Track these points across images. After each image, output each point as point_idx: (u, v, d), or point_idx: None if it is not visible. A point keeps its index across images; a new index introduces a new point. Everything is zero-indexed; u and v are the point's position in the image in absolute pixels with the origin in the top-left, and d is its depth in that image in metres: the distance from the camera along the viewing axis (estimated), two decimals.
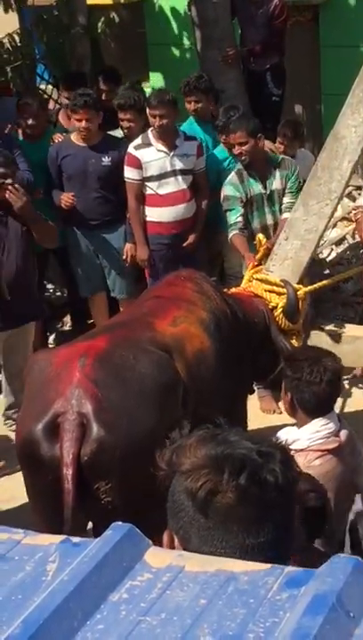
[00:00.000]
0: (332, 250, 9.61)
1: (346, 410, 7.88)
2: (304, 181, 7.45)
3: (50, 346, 8.55)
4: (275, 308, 6.64)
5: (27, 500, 5.20)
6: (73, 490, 4.62)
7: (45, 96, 10.36)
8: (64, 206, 8.30)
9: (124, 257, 8.40)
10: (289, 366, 4.67)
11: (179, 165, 8.22)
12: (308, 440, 4.49)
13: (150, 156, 8.13)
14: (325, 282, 7.30)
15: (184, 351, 5.49)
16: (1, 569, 1.71)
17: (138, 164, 8.13)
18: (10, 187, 7.00)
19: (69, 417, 4.74)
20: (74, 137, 8.45)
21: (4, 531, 1.83)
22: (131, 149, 8.18)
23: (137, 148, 8.16)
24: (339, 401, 7.97)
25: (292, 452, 4.29)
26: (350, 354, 8.52)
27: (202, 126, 8.95)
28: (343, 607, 1.57)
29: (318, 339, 8.59)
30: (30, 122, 8.60)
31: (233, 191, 7.89)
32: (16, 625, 1.55)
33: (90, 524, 4.98)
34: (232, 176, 7.99)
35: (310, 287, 6.95)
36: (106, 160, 8.35)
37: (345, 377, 8.32)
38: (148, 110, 8.17)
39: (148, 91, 9.83)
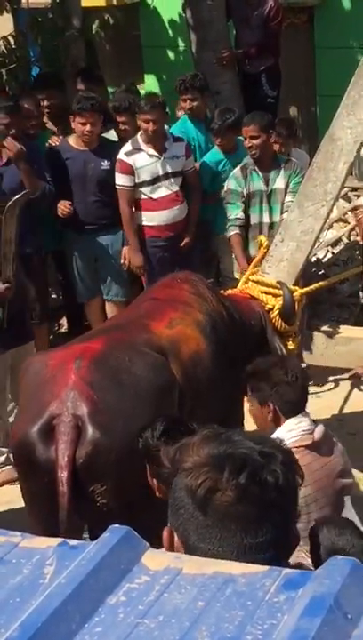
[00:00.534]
0: (328, 251, 9.61)
1: (345, 411, 7.89)
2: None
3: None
4: (271, 309, 6.64)
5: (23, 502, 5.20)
6: (68, 492, 4.62)
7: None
8: (60, 214, 8.28)
9: (122, 260, 8.38)
10: (261, 379, 4.75)
11: (170, 168, 8.23)
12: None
13: (142, 161, 8.13)
14: (321, 283, 7.30)
15: (180, 353, 5.49)
16: None
17: (130, 170, 8.12)
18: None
19: (65, 419, 4.73)
20: (72, 140, 8.41)
21: (1, 534, 1.83)
22: (122, 156, 8.16)
23: (128, 154, 8.14)
24: (337, 401, 8.01)
25: None
26: (346, 355, 8.53)
27: (196, 125, 8.97)
28: (341, 609, 1.57)
29: (314, 340, 8.61)
30: (32, 123, 8.59)
31: (235, 185, 7.99)
32: (14, 628, 1.54)
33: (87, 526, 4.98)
34: (237, 170, 8.11)
35: (306, 289, 6.95)
36: (105, 164, 8.33)
37: (341, 377, 8.35)
38: (139, 115, 8.13)
39: (143, 93, 9.83)
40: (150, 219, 8.23)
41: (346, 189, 9.58)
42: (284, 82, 10.73)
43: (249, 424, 6.48)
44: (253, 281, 6.83)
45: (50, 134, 9.05)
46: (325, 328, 8.64)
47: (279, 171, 8.06)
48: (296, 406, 4.68)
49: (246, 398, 5.18)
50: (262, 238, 7.30)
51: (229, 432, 2.00)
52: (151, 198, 8.21)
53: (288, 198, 8.01)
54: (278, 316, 6.62)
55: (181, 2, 10.79)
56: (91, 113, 8.18)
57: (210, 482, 1.88)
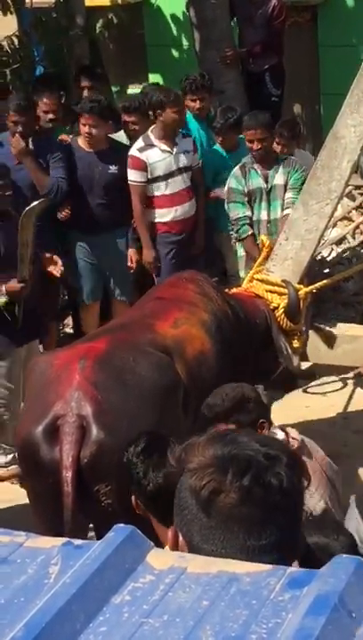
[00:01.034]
0: (332, 249, 9.60)
1: (351, 409, 7.89)
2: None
3: None
4: (276, 308, 6.64)
5: (27, 501, 5.20)
6: (73, 492, 4.62)
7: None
8: (60, 218, 8.28)
9: (128, 263, 8.36)
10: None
11: (182, 162, 8.26)
12: None
13: (156, 156, 8.14)
14: (325, 281, 7.30)
15: (185, 353, 5.49)
16: (3, 572, 1.71)
17: (143, 166, 8.11)
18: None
19: (69, 419, 4.73)
20: (81, 141, 8.39)
21: (5, 533, 1.82)
22: (134, 152, 8.15)
23: (141, 150, 8.14)
24: (343, 400, 8.01)
25: None
26: (351, 353, 8.54)
27: (199, 123, 8.98)
28: (346, 607, 1.57)
29: (319, 338, 8.61)
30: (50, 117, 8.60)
31: (236, 184, 8.01)
32: (18, 628, 1.54)
33: (91, 526, 4.98)
34: (236, 169, 8.12)
35: (310, 287, 6.95)
36: (113, 168, 8.28)
37: (346, 376, 8.34)
38: (168, 108, 8.07)
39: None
40: (163, 215, 8.25)
41: (350, 187, 9.57)
42: (288, 80, 10.74)
43: None
44: (257, 279, 6.83)
45: (61, 131, 9.03)
46: (330, 326, 8.64)
47: (278, 167, 8.07)
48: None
49: None
50: (264, 238, 7.30)
51: (234, 433, 2.00)
52: (165, 194, 8.21)
53: (289, 195, 8.01)
54: (283, 315, 6.62)
55: (184, 1, 10.81)
56: (90, 115, 8.15)
57: (214, 483, 1.87)
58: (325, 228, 7.00)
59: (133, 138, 8.50)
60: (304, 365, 7.72)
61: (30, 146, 8.09)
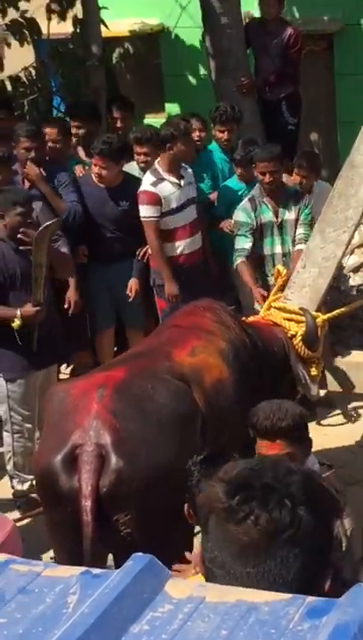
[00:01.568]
0: (349, 277, 9.60)
1: None
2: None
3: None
4: (294, 336, 6.63)
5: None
6: (92, 522, 4.61)
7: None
8: (78, 260, 8.29)
9: (128, 291, 8.36)
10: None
11: (190, 194, 8.27)
12: None
13: (167, 189, 8.13)
14: (343, 309, 7.28)
15: (203, 381, 5.48)
16: (22, 601, 1.71)
17: (158, 201, 8.09)
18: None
19: (88, 448, 4.73)
20: (94, 175, 8.43)
21: (24, 563, 1.82)
22: (147, 187, 8.12)
23: (154, 184, 8.11)
24: (359, 428, 7.98)
25: None
26: None
27: (224, 154, 9.01)
28: None
29: (338, 366, 8.59)
30: (51, 145, 8.64)
31: (245, 217, 7.96)
32: None
33: (110, 556, 4.97)
34: (245, 202, 8.07)
35: (328, 315, 6.94)
36: (124, 204, 8.29)
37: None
38: (178, 142, 8.07)
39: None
40: (179, 248, 8.23)
41: None
42: (304, 109, 10.76)
43: None
44: (275, 307, 6.83)
45: (75, 164, 9.07)
46: (348, 354, 8.63)
47: (288, 202, 8.06)
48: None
49: None
50: (280, 267, 7.29)
51: (273, 464, 1.98)
52: (178, 227, 8.20)
53: (300, 230, 8.02)
54: (300, 343, 6.60)
55: (200, 30, 10.86)
56: (101, 157, 8.19)
57: (221, 504, 1.87)
58: (342, 255, 6.99)
59: (144, 170, 8.52)
60: (322, 392, 7.69)
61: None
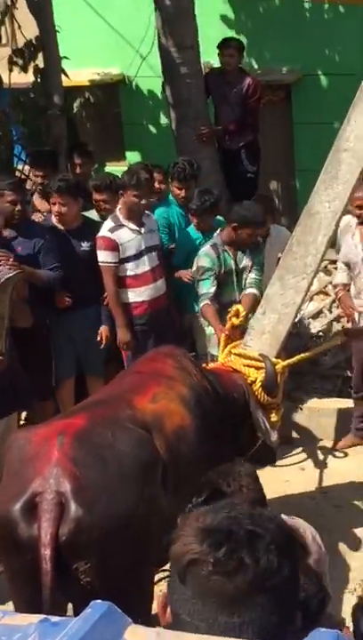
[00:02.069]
0: (309, 323, 9.67)
1: (329, 483, 7.87)
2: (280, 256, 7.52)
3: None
4: (254, 382, 6.65)
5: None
6: (51, 570, 4.56)
7: (22, 176, 10.46)
8: (59, 305, 8.28)
9: (98, 339, 8.36)
10: (207, 490, 4.23)
11: (150, 242, 8.26)
12: None
13: (126, 236, 8.15)
14: (302, 355, 7.31)
15: (164, 428, 5.48)
16: None
17: (115, 247, 8.11)
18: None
19: (47, 496, 4.69)
20: (55, 219, 8.46)
21: None
22: (105, 233, 8.15)
23: (111, 230, 8.15)
24: (318, 474, 8.00)
25: None
26: (329, 426, 8.56)
27: (180, 208, 9.04)
28: None
29: (297, 412, 8.62)
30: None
31: (209, 263, 7.99)
32: None
33: (70, 605, 4.92)
34: (208, 248, 8.09)
35: (288, 361, 6.97)
36: (85, 245, 8.30)
37: (323, 448, 8.35)
38: (126, 191, 8.11)
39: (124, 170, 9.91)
40: (135, 295, 8.23)
41: (326, 262, 9.67)
42: (263, 157, 10.89)
43: None
44: (235, 354, 6.85)
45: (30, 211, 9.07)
46: (308, 400, 8.66)
47: (245, 250, 8.13)
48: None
49: None
50: (240, 307, 7.31)
51: (235, 506, 1.97)
52: (136, 274, 8.21)
53: (252, 275, 8.11)
54: (260, 389, 6.63)
55: (160, 80, 10.97)
56: (59, 194, 8.17)
57: (191, 553, 1.87)
58: (301, 302, 7.04)
59: (103, 217, 8.56)
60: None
61: (9, 232, 8.06)
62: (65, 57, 10.70)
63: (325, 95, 11.77)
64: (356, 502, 7.53)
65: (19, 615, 1.79)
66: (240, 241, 8.01)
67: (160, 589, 4.86)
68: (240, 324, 7.14)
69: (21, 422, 8.08)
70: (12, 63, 10.75)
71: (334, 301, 9.67)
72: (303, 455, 8.37)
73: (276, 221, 9.20)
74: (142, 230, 8.21)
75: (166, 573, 2.02)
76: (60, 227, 8.32)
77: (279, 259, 7.75)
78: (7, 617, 1.78)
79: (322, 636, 1.68)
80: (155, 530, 4.78)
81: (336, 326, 9.56)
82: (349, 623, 3.66)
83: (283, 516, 4.41)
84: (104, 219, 8.45)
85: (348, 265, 8.29)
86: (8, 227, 7.98)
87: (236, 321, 7.15)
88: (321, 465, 8.21)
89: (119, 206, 8.24)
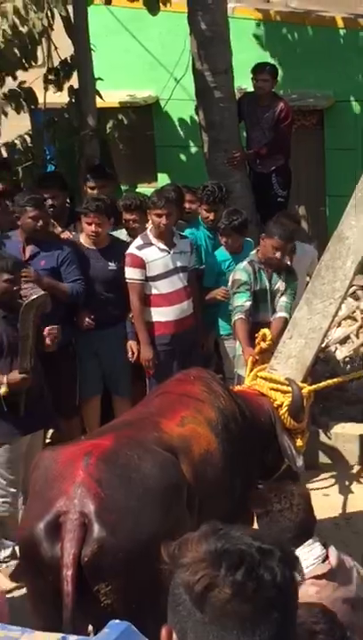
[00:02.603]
0: (336, 349, 9.66)
1: (350, 510, 7.85)
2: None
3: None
4: (280, 406, 6.65)
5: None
6: (72, 591, 4.56)
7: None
8: (84, 326, 8.35)
9: (128, 354, 8.40)
10: (257, 504, 4.50)
11: (179, 263, 8.30)
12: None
13: (153, 255, 8.21)
14: (329, 381, 7.31)
15: (191, 452, 5.48)
16: None
17: (141, 264, 8.18)
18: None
19: (71, 516, 4.70)
20: (83, 238, 8.51)
21: (1, 628, 1.83)
22: (133, 250, 8.24)
23: (139, 248, 8.22)
24: (342, 499, 7.97)
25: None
26: (354, 452, 8.53)
27: (208, 232, 9.08)
28: None
29: (323, 438, 8.60)
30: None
31: (245, 277, 8.03)
32: None
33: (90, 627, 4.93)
34: (245, 264, 8.15)
35: (314, 386, 6.97)
36: (112, 265, 8.37)
37: (348, 474, 8.32)
38: (151, 210, 8.23)
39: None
40: (160, 314, 8.27)
41: (354, 287, 9.67)
42: (294, 182, 10.91)
43: None
44: (261, 377, 6.86)
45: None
46: (334, 426, 8.64)
47: (281, 272, 8.16)
48: (300, 531, 4.30)
49: None
50: (267, 331, 7.33)
51: (228, 528, 1.98)
52: (161, 293, 8.25)
53: (284, 299, 8.11)
54: (286, 413, 6.63)
55: (193, 103, 11.02)
56: (96, 214, 8.26)
57: (207, 578, 1.85)
58: (328, 327, 7.05)
59: (133, 236, 8.62)
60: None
61: (32, 249, 8.17)
62: (99, 78, 10.78)
63: (357, 121, 11.78)
64: None
65: (38, 633, 1.81)
66: (266, 254, 8.04)
67: None
68: (268, 348, 7.15)
69: (47, 441, 8.11)
70: (47, 82, 10.85)
71: (361, 327, 9.66)
72: (328, 481, 8.34)
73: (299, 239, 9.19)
74: (172, 251, 8.25)
75: None
76: (90, 246, 8.39)
77: (308, 283, 7.80)
78: (26, 635, 1.80)
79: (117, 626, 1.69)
80: None
81: None
82: None
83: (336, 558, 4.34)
84: (134, 238, 8.51)
85: None
86: (30, 244, 8.08)
87: (264, 345, 7.16)
88: (345, 491, 8.19)
89: (151, 226, 8.31)
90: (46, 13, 9.90)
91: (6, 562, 7.17)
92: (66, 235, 8.91)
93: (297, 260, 8.64)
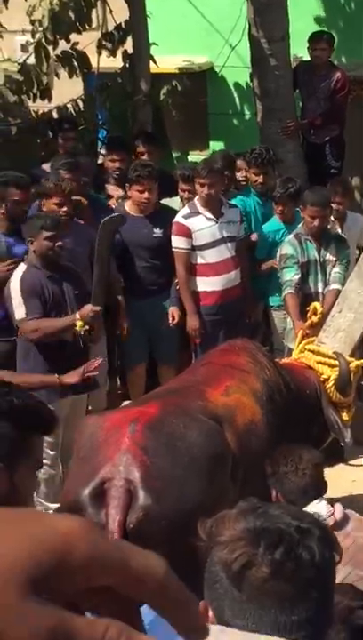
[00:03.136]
0: None
1: None
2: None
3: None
4: (327, 380, 6.61)
5: None
6: None
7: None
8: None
9: (170, 320, 8.39)
10: (268, 464, 4.78)
11: (226, 233, 8.27)
12: None
13: (200, 224, 8.18)
14: None
15: (235, 422, 5.47)
16: None
17: (188, 233, 8.16)
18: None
19: (117, 483, 4.71)
20: (128, 205, 8.47)
21: None
22: (179, 219, 8.21)
23: (186, 217, 8.20)
24: None
25: None
26: None
27: (258, 198, 9.03)
28: None
29: None
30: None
31: (292, 250, 8.01)
32: None
33: None
34: (291, 238, 8.13)
35: (362, 360, 6.92)
36: (158, 232, 8.35)
37: None
38: (196, 180, 8.20)
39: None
40: (206, 284, 8.26)
41: None
42: (348, 153, 10.81)
43: None
44: (309, 350, 6.82)
45: (105, 199, 9.11)
46: None
47: (330, 244, 8.12)
48: (303, 494, 4.60)
49: None
50: (317, 305, 7.30)
51: (266, 506, 1.97)
52: (208, 263, 8.24)
53: (336, 269, 8.07)
54: (333, 387, 6.59)
55: (248, 71, 10.94)
56: (148, 180, 8.23)
57: (246, 556, 1.85)
58: None
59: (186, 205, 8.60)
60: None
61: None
62: (154, 43, 10.72)
63: None
64: None
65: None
66: (311, 227, 8.00)
67: None
68: (319, 322, 7.11)
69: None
70: (100, 47, 10.80)
71: None
72: None
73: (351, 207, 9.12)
74: (220, 220, 8.22)
75: None
76: (136, 214, 8.35)
77: (359, 255, 7.73)
78: None
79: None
80: None
81: None
82: None
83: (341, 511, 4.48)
84: None
85: None
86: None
87: (314, 319, 7.12)
88: None
89: (198, 195, 8.28)
90: None
91: None
92: (113, 202, 8.90)
93: (348, 228, 8.61)
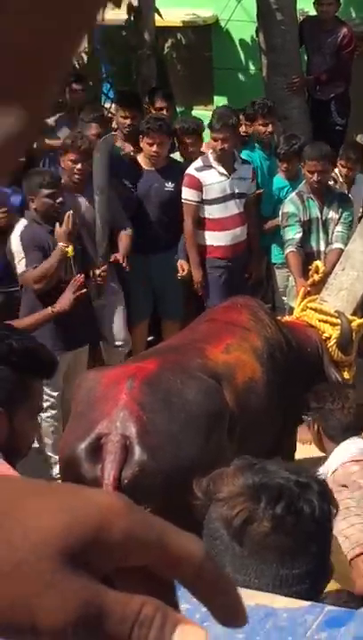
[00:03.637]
0: None
1: None
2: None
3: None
4: (328, 338, 6.58)
5: None
6: None
7: (109, 114, 10.41)
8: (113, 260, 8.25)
9: (179, 272, 8.34)
10: (313, 399, 4.99)
11: (237, 189, 8.22)
12: (339, 460, 4.63)
13: (212, 178, 8.13)
14: None
15: (234, 380, 5.44)
16: None
17: (198, 186, 8.12)
18: None
19: (113, 438, 4.70)
20: (140, 158, 8.42)
21: None
22: (191, 171, 8.17)
23: (198, 169, 8.15)
24: None
25: (330, 475, 4.35)
26: None
27: (263, 152, 8.97)
28: None
29: None
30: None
31: (294, 209, 7.97)
32: None
33: None
34: (293, 196, 8.09)
35: None
36: (169, 185, 8.31)
37: None
38: (211, 133, 8.17)
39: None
40: (213, 238, 8.22)
41: None
42: (353, 110, 10.72)
43: (300, 454, 6.43)
44: (311, 308, 6.78)
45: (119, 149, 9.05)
46: None
47: (333, 202, 8.06)
48: (346, 433, 4.76)
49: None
50: (319, 263, 7.27)
51: (263, 462, 1.98)
52: (216, 217, 8.19)
53: (339, 228, 8.02)
54: (334, 346, 6.56)
55: (254, 25, 10.82)
56: (158, 134, 8.18)
57: (246, 512, 1.86)
58: None
59: (188, 159, 8.54)
60: None
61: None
62: None
63: None
64: None
65: None
66: (311, 183, 7.95)
67: None
68: (320, 280, 7.07)
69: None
70: None
71: None
72: None
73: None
74: (232, 176, 8.17)
75: None
76: (147, 167, 8.31)
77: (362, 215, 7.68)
78: None
79: None
80: None
81: None
82: None
83: None
84: (188, 162, 8.43)
85: None
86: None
87: (316, 277, 7.08)
88: None
89: (212, 149, 8.24)
90: None
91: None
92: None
93: (357, 191, 8.54)
